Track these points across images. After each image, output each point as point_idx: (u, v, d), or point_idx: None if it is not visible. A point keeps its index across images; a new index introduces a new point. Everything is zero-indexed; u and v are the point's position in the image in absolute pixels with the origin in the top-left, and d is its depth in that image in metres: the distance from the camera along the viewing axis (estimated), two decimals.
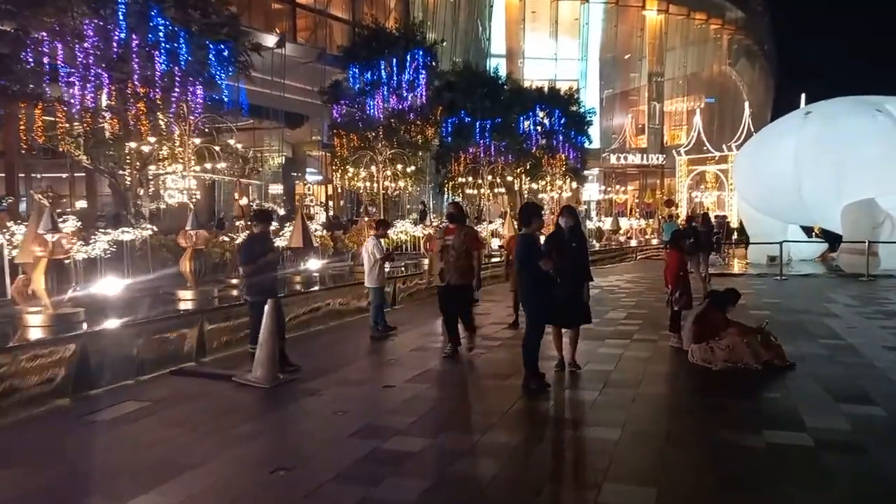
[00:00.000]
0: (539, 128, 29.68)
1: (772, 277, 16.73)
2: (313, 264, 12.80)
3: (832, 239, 20.58)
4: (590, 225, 28.72)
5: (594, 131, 45.94)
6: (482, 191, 24.67)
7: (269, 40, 24.95)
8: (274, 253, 7.34)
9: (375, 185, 18.59)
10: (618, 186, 46.49)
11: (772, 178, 19.09)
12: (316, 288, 11.06)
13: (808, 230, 22.86)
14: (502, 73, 31.49)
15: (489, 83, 28.36)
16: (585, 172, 43.98)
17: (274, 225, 10.61)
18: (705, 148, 40.86)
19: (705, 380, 6.72)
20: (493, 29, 45.81)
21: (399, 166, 19.06)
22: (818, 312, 10.72)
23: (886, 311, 10.67)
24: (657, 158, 49.00)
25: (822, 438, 4.76)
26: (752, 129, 34.36)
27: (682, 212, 40.40)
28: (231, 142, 17.41)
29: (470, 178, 24.95)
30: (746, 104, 44.40)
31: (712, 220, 21.42)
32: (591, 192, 47.68)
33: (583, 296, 6.88)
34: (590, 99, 44.53)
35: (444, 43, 25.73)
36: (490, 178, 24.61)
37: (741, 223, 26.51)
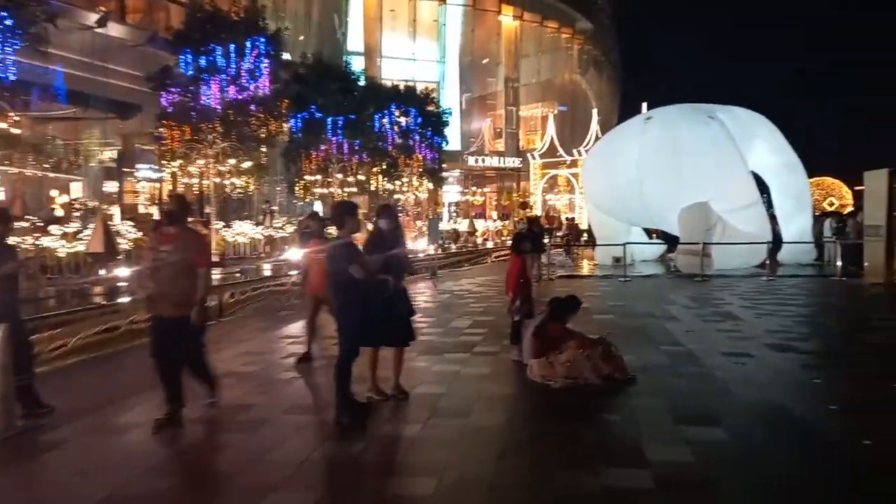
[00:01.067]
0: (395, 127, 28.84)
1: (617, 279, 16.94)
2: (122, 272, 10.95)
3: (671, 241, 21.50)
4: (446, 227, 28.32)
5: (454, 134, 46.00)
6: (332, 190, 23.30)
7: (90, 18, 22.08)
8: (12, 264, 5.66)
9: (207, 181, 16.66)
10: (474, 188, 46.85)
11: (616, 180, 19.51)
12: (103, 302, 9.28)
13: (649, 232, 23.83)
14: (359, 70, 30.38)
15: (342, 77, 27.08)
16: (446, 174, 43.93)
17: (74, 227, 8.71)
18: (558, 153, 42.23)
19: (544, 401, 6.01)
20: (350, 25, 44.48)
21: (233, 161, 17.22)
22: (659, 316, 10.62)
23: (721, 313, 10.78)
24: (514, 162, 50.01)
25: (664, 476, 4.10)
26: (600, 135, 35.81)
27: (538, 213, 41.46)
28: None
29: (320, 177, 23.47)
30: (595, 111, 46.47)
31: (543, 221, 21.61)
32: (452, 194, 47.76)
33: (405, 309, 5.94)
34: (449, 102, 44.40)
35: (288, 31, 24.02)
36: (341, 176, 23.30)
37: (590, 225, 27.29)
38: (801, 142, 20.81)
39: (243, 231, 16.48)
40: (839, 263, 16.41)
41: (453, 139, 45.98)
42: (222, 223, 17.77)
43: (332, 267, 5.40)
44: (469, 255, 25.61)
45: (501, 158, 50.18)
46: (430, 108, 30.45)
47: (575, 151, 40.24)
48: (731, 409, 5.54)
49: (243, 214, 19.77)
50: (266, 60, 20.37)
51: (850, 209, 29.15)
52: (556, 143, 42.65)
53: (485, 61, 51.75)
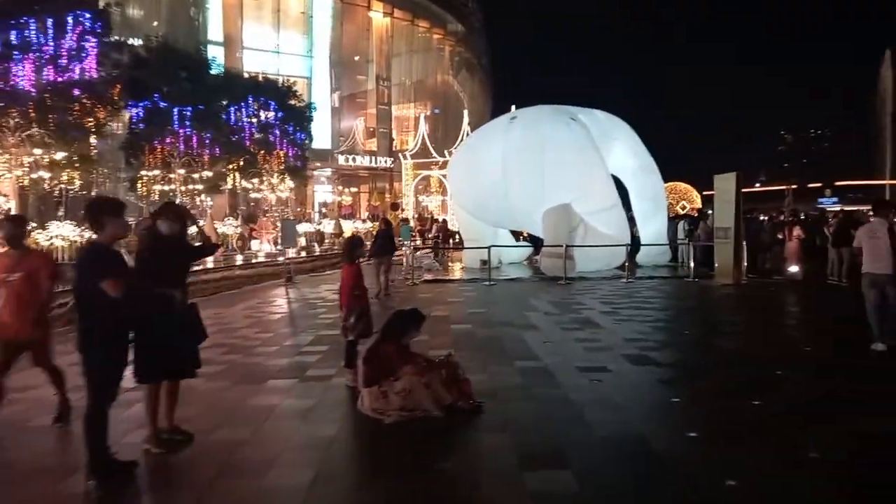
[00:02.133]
0: (254, 120, 26.85)
1: (482, 283, 16.36)
2: None
3: (538, 243, 21.37)
4: (310, 228, 26.72)
5: (325, 132, 44.21)
6: (174, 187, 21.05)
7: None
8: None
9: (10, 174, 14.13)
10: (344, 188, 45.35)
11: (480, 181, 18.99)
12: None
13: (517, 233, 23.65)
14: (220, 61, 28.06)
15: (191, 65, 24.75)
16: (317, 173, 42.07)
17: None
18: (431, 154, 41.74)
19: (369, 445, 4.97)
20: (210, 12, 41.37)
21: (38, 151, 14.77)
22: (518, 324, 9.97)
23: (580, 320, 10.32)
24: (386, 162, 49.02)
25: None
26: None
27: (410, 214, 40.72)
28: None
29: (158, 172, 21.14)
30: (466, 112, 46.52)
31: (416, 224, 20.83)
32: (323, 194, 45.91)
33: (193, 332, 4.71)
34: (319, 98, 42.72)
35: (119, 7, 21.42)
36: (183, 171, 21.10)
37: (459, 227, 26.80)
38: (656, 147, 21.48)
39: (62, 234, 14.12)
40: (692, 265, 16.84)
41: (324, 137, 44.21)
42: (34, 224, 15.20)
43: (77, 282, 4.06)
44: (334, 258, 24.16)
45: (374, 158, 49.01)
46: (293, 102, 28.70)
47: (446, 152, 39.87)
48: (585, 443, 4.77)
49: (58, 214, 17.09)
50: (93, 40, 17.92)
51: (701, 212, 30.83)
52: (428, 143, 42.14)
53: (356, 58, 50.32)
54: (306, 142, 29.28)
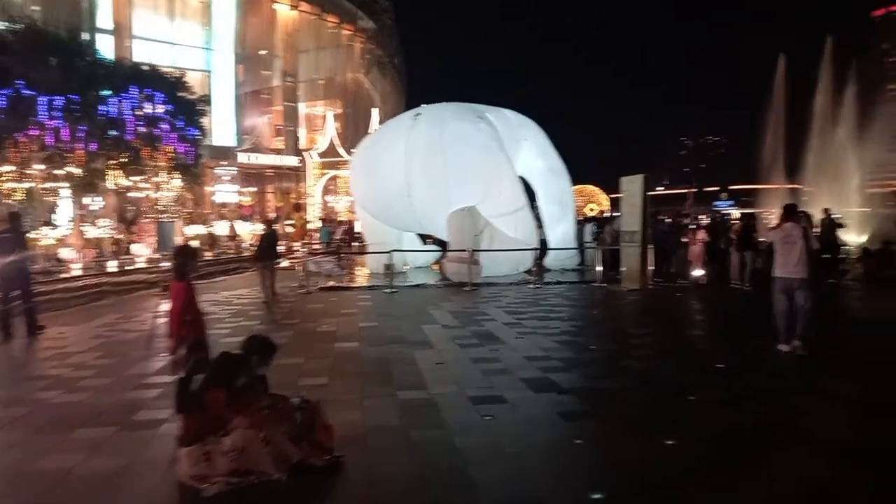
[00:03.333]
0: (138, 113, 24.41)
1: (383, 290, 15.20)
2: None
3: (445, 246, 20.43)
4: (202, 230, 24.61)
5: (228, 129, 41.69)
6: (32, 184, 18.62)
7: None
8: None
9: None
10: (244, 188, 42.82)
11: (384, 183, 17.84)
12: None
13: (424, 236, 22.62)
14: (105, 50, 25.40)
15: (63, 50, 22.16)
16: (219, 171, 39.44)
17: None
18: (338, 153, 40.09)
19: None
20: None
21: None
22: (412, 341, 8.87)
23: (482, 334, 9.35)
24: (293, 161, 46.80)
25: None
26: None
27: (315, 215, 39.00)
28: None
29: (13, 168, 18.64)
30: (375, 111, 45.24)
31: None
32: (226, 194, 43.16)
33: None
34: (223, 94, 40.14)
35: None
36: (44, 167, 18.72)
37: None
38: (565, 149, 21.06)
39: None
40: (599, 269, 16.36)
41: (228, 134, 41.83)
42: None
43: None
44: (226, 263, 22.29)
45: (280, 156, 46.65)
46: (183, 94, 26.40)
47: (353, 152, 38.41)
48: None
49: None
50: None
51: (607, 215, 30.95)
52: (336, 142, 40.49)
53: (262, 53, 47.77)
54: (199, 137, 26.95)
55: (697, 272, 16.05)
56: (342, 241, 25.83)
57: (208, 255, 23.05)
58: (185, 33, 42.63)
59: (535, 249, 17.08)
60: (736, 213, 42.77)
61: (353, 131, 48.83)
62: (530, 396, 6.09)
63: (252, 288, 14.96)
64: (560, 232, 19.49)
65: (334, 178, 40.77)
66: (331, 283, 16.80)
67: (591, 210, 48.25)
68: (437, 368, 7.24)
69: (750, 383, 6.52)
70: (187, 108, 26.59)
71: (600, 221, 21.81)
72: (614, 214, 20.20)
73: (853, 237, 21.84)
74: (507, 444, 4.81)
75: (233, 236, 26.06)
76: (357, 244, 25.74)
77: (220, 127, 41.52)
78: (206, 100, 28.48)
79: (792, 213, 8.07)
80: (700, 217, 24.10)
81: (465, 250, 15.76)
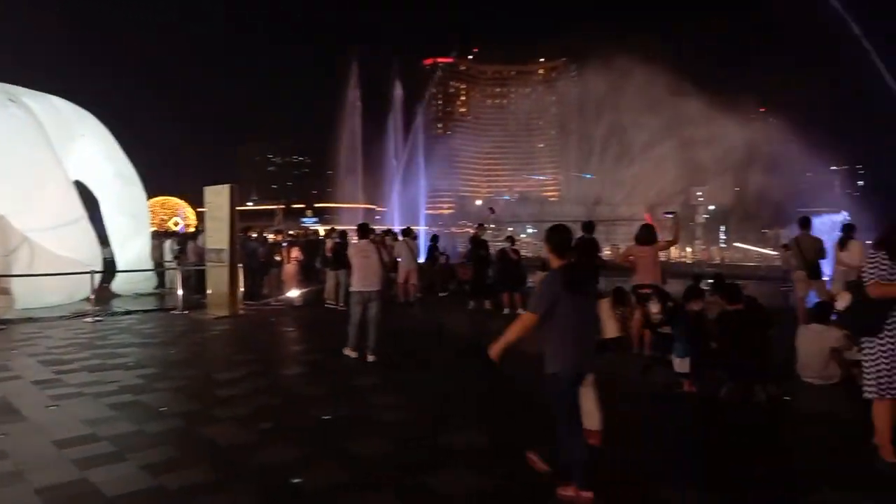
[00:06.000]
0: None
1: None
2: None
3: None
4: None
5: None
6: None
7: None
8: None
9: None
10: None
11: None
12: None
13: None
14: None
15: None
16: None
17: None
18: None
19: None
20: None
21: None
22: None
23: None
24: None
25: None
26: None
27: None
28: None
29: None
30: None
31: None
32: None
33: None
34: None
35: None
36: None
37: None
38: (140, 155, 18.00)
39: None
40: (181, 293, 14.00)
41: None
42: None
43: None
44: None
45: None
46: None
47: None
48: None
49: None
50: None
51: (193, 230, 28.17)
52: None
53: None
54: None
55: (292, 292, 15.09)
56: None
57: None
58: None
59: (97, 273, 13.76)
60: (322, 229, 44.34)
61: None
62: None
63: None
64: (134, 250, 16.42)
65: None
66: None
67: (176, 225, 44.20)
68: None
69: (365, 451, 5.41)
70: None
71: (182, 237, 19.21)
72: (199, 230, 17.91)
73: None
74: None
75: None
76: None
77: None
78: None
79: (367, 231, 8.98)
80: (291, 233, 23.52)
81: None
